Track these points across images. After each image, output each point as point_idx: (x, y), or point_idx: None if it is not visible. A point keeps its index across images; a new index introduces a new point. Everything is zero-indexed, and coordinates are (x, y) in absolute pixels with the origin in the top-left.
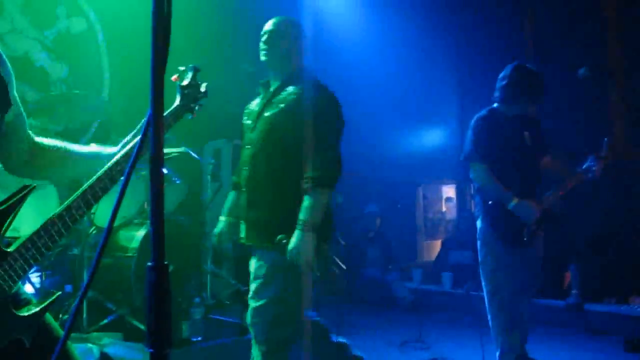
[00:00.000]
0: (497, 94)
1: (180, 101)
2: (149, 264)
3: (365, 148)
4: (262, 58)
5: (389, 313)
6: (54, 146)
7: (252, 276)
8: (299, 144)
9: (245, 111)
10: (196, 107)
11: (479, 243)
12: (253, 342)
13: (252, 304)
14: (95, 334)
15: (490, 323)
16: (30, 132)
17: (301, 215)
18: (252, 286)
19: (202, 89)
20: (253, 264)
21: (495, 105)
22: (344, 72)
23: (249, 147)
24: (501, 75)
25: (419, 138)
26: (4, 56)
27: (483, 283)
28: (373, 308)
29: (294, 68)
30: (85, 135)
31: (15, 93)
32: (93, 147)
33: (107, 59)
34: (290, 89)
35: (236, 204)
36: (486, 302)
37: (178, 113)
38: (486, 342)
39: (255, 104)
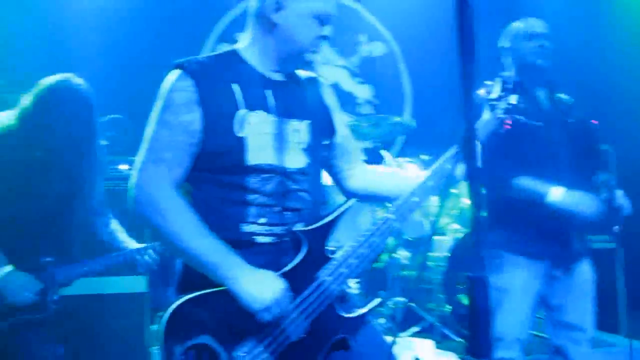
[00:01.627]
0: None
1: (489, 115)
2: (469, 274)
3: None
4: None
5: None
6: (377, 170)
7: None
8: None
9: None
10: (507, 121)
11: None
12: None
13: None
14: (408, 340)
15: None
16: (360, 155)
17: None
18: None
19: (512, 100)
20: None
21: None
22: None
23: None
24: None
25: None
26: (328, 87)
27: None
28: None
29: None
30: (391, 151)
31: (340, 117)
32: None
33: (407, 78)
34: None
35: None
36: None
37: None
38: None
39: None
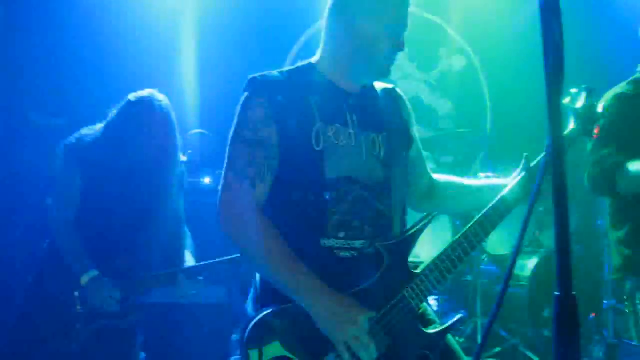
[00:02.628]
0: None
1: (575, 125)
2: (556, 293)
3: None
4: None
5: None
6: (449, 182)
7: None
8: None
9: None
10: (594, 130)
11: None
12: None
13: None
14: None
15: None
16: (429, 168)
17: None
18: None
19: (599, 109)
20: None
21: None
22: None
23: None
24: None
25: None
26: (405, 99)
27: None
28: None
29: None
30: (471, 166)
31: (415, 131)
32: (483, 180)
33: (487, 93)
34: None
35: None
36: None
37: (573, 137)
38: None
39: None
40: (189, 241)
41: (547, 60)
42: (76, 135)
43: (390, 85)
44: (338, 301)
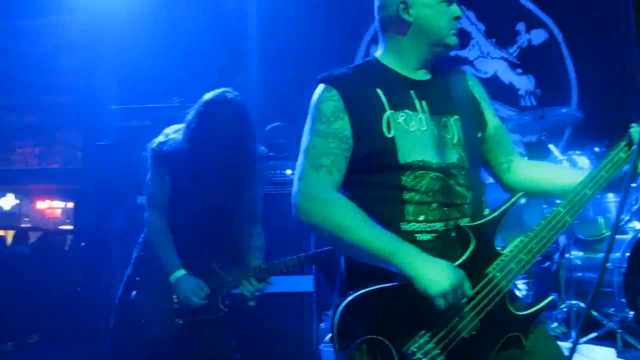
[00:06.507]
0: None
1: None
2: None
3: None
4: None
5: None
6: (535, 164)
7: None
8: None
9: None
10: None
11: None
12: None
13: None
14: (586, 347)
15: None
16: (514, 146)
17: None
18: None
19: None
20: None
21: None
22: None
23: None
24: None
25: None
26: (477, 80)
27: None
28: None
29: None
30: (558, 143)
31: (490, 112)
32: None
33: (572, 65)
34: None
35: None
36: None
37: None
38: None
39: None
40: (260, 241)
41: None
42: (161, 135)
43: (458, 68)
44: (434, 258)
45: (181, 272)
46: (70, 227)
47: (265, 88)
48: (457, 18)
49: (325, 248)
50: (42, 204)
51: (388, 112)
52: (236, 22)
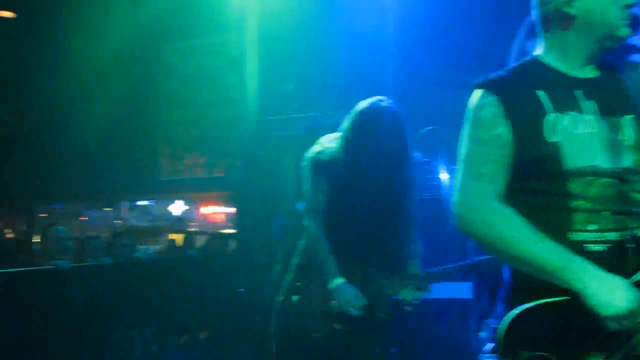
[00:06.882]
0: None
1: None
2: None
3: None
4: None
5: None
6: None
7: None
8: None
9: None
10: None
11: None
12: None
13: None
14: None
15: None
16: None
17: None
18: None
19: None
20: None
21: None
22: None
23: None
24: None
25: None
26: None
27: None
28: None
29: None
30: None
31: None
32: None
33: None
34: None
35: None
36: None
37: None
38: None
39: None
40: (418, 248)
41: None
42: (317, 145)
43: (633, 61)
44: (609, 276)
45: (339, 280)
46: (233, 230)
47: (403, 95)
48: (629, 6)
49: (486, 256)
50: (206, 209)
51: (551, 115)
52: (374, 31)
